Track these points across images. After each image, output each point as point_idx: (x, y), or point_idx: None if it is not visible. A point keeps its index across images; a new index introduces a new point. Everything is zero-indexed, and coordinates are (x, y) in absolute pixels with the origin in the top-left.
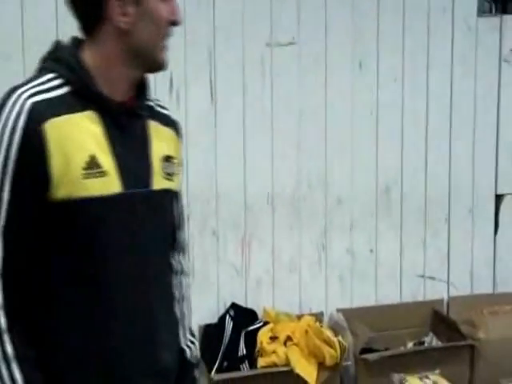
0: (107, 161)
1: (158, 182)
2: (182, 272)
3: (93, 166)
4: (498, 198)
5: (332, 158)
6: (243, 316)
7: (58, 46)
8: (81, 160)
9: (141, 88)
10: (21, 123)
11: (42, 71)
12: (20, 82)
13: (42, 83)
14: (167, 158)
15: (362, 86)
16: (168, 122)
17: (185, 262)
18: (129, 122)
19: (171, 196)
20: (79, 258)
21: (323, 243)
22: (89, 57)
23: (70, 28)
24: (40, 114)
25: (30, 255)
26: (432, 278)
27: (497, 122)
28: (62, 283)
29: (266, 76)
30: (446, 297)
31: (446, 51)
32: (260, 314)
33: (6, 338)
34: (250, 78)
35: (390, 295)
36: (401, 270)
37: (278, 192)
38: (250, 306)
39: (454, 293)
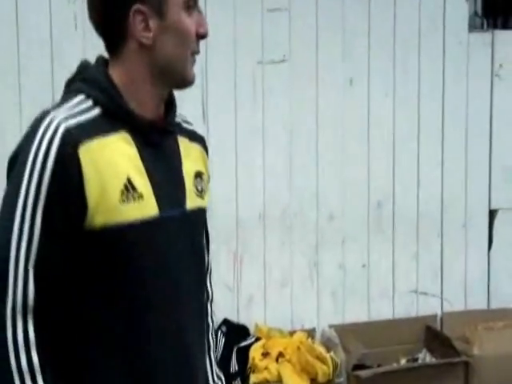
0: (143, 183)
1: (192, 201)
2: (209, 298)
3: (129, 190)
4: (492, 213)
5: (324, 174)
6: (235, 332)
7: (85, 66)
8: (118, 184)
9: (169, 104)
10: (54, 149)
11: (71, 93)
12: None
13: (74, 106)
14: (198, 174)
15: (353, 103)
16: (195, 137)
17: (211, 287)
18: (161, 141)
19: (203, 214)
20: (115, 283)
21: (315, 259)
22: (116, 76)
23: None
24: (74, 138)
25: (64, 288)
26: (425, 294)
27: (489, 136)
28: (97, 310)
29: (258, 93)
30: (439, 313)
31: (438, 66)
32: (252, 329)
33: (39, 379)
34: (242, 95)
35: (382, 311)
36: (393, 285)
37: (270, 208)
38: (242, 322)
39: (447, 308)
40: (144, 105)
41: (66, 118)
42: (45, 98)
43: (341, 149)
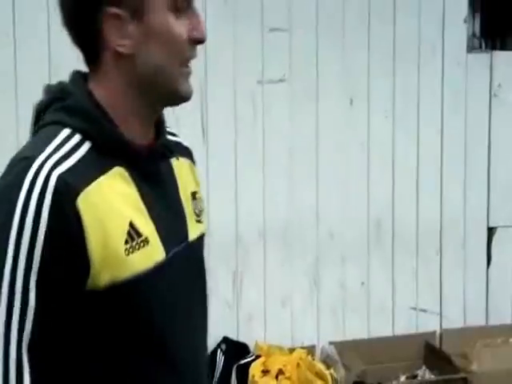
0: (146, 224)
1: (193, 230)
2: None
3: (134, 237)
4: (490, 231)
5: (323, 192)
6: (235, 350)
7: (63, 90)
8: (121, 232)
9: (158, 123)
10: (47, 206)
11: (49, 125)
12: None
13: (61, 145)
14: (194, 195)
15: (353, 122)
16: (182, 150)
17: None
18: (157, 167)
19: (203, 239)
20: (125, 343)
21: (315, 276)
22: (97, 95)
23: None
24: (71, 188)
25: (67, 362)
26: (424, 311)
27: (488, 155)
28: (104, 376)
29: (258, 112)
30: (438, 329)
31: (437, 87)
32: (252, 347)
33: None
34: (242, 114)
35: (382, 328)
36: (393, 302)
37: (270, 226)
38: (241, 339)
39: (446, 325)
40: (134, 129)
41: (57, 163)
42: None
43: (340, 167)
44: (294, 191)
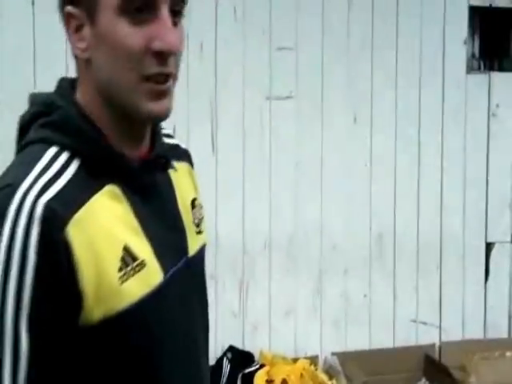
0: (142, 245)
1: (193, 244)
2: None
3: (128, 262)
4: (488, 246)
5: (327, 205)
6: (240, 358)
7: (50, 103)
8: (115, 259)
9: (154, 133)
10: (34, 238)
11: (33, 144)
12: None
13: (46, 167)
14: (193, 203)
15: (356, 139)
16: (180, 154)
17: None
18: (153, 181)
19: (204, 251)
20: (122, 371)
21: (318, 288)
22: (82, 103)
23: None
24: (59, 216)
25: None
26: (424, 323)
27: (486, 172)
28: None
29: (265, 127)
30: (438, 342)
31: (437, 106)
32: (257, 356)
33: None
34: (250, 128)
35: (383, 339)
36: (394, 314)
37: (276, 238)
38: (247, 348)
39: (445, 338)
40: (122, 140)
41: (42, 190)
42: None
43: (344, 182)
44: (299, 204)
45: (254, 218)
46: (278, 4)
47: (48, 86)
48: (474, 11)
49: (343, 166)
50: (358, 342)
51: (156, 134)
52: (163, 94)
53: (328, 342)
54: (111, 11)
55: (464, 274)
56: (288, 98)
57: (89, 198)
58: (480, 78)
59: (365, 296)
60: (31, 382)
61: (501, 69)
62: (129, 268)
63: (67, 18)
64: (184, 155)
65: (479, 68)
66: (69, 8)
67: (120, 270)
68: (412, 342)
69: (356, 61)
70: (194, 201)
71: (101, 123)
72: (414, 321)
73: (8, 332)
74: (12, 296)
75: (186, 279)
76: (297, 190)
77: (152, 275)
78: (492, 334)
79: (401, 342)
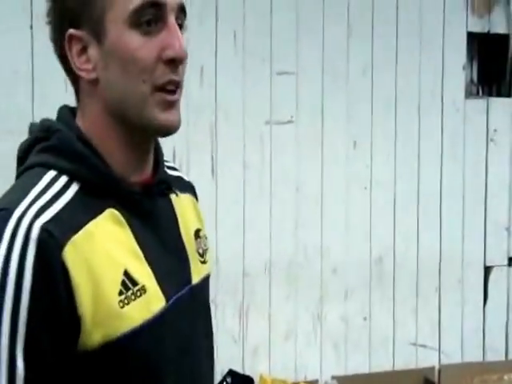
0: (143, 271)
1: (196, 272)
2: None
3: (129, 286)
4: (487, 270)
5: (327, 230)
6: (240, 383)
7: (49, 128)
8: (114, 283)
9: (156, 158)
10: (29, 261)
11: (32, 169)
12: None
13: (44, 190)
14: (197, 233)
15: (356, 164)
16: (184, 186)
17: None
18: (153, 206)
19: (208, 281)
20: None
21: (318, 311)
22: (85, 130)
23: None
24: (55, 239)
25: None
26: (423, 346)
27: (484, 197)
28: None
29: (266, 152)
30: (437, 365)
31: (436, 132)
32: (257, 380)
33: None
34: (250, 153)
35: (383, 363)
36: (393, 338)
37: (276, 261)
38: (247, 372)
39: (445, 361)
40: (125, 164)
41: (39, 213)
42: None
43: (344, 206)
44: (299, 228)
45: (254, 242)
46: (278, 29)
47: (46, 110)
48: (472, 37)
49: (343, 190)
50: (358, 365)
51: (159, 161)
52: (174, 105)
53: (328, 366)
54: (120, 26)
55: (463, 298)
56: (288, 122)
57: (88, 221)
58: (478, 103)
59: (364, 319)
60: None
61: (499, 94)
62: (129, 292)
63: (69, 42)
64: (188, 187)
65: (478, 93)
66: (71, 31)
67: (120, 293)
68: (412, 366)
69: (356, 86)
70: (198, 231)
71: (104, 147)
72: (414, 344)
73: (3, 360)
74: (7, 322)
75: (188, 308)
76: (297, 214)
77: (153, 301)
78: (491, 357)
79: (400, 366)
